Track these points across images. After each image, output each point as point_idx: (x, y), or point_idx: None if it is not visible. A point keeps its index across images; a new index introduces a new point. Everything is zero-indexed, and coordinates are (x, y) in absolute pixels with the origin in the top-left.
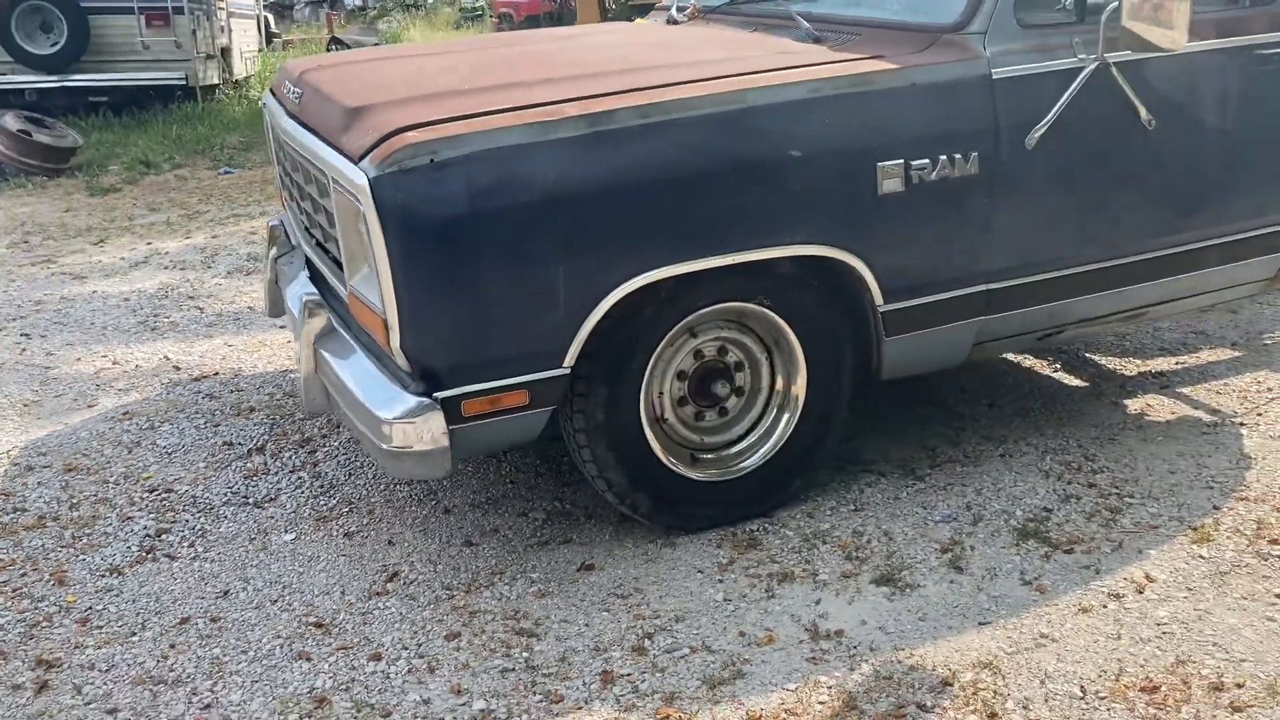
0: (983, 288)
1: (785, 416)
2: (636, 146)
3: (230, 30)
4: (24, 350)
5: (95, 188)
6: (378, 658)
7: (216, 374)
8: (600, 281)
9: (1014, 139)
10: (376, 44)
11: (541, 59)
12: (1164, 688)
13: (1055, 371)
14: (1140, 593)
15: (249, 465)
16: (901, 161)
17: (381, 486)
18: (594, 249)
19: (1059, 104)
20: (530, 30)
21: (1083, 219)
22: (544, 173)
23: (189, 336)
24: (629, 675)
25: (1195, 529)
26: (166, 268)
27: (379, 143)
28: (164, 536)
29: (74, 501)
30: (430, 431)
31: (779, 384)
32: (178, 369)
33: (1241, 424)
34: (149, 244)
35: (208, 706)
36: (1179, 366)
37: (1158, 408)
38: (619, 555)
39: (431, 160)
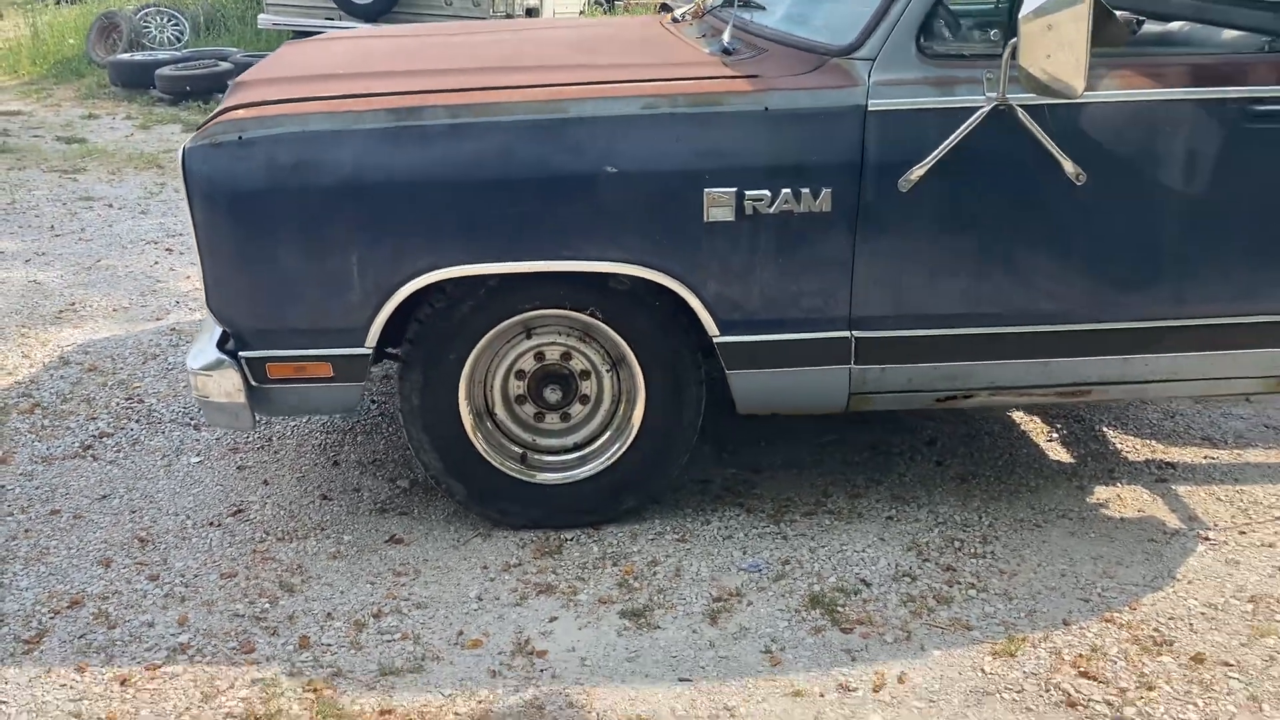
0: (844, 334)
1: (622, 433)
2: (441, 145)
3: None
4: (155, 263)
5: None
6: (155, 579)
7: None
8: (395, 271)
9: (885, 178)
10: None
11: (449, 51)
12: None
13: (1049, 440)
14: (875, 691)
15: None
16: (733, 190)
17: (302, 431)
18: (389, 239)
19: (944, 145)
20: (489, 21)
21: (978, 275)
22: (345, 160)
23: None
24: (327, 645)
25: (1009, 639)
26: None
27: (212, 118)
28: (105, 439)
29: (68, 396)
30: (226, 386)
31: (622, 400)
32: None
33: (1210, 539)
34: None
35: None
36: (1204, 461)
37: (1127, 502)
38: (433, 536)
39: (239, 138)
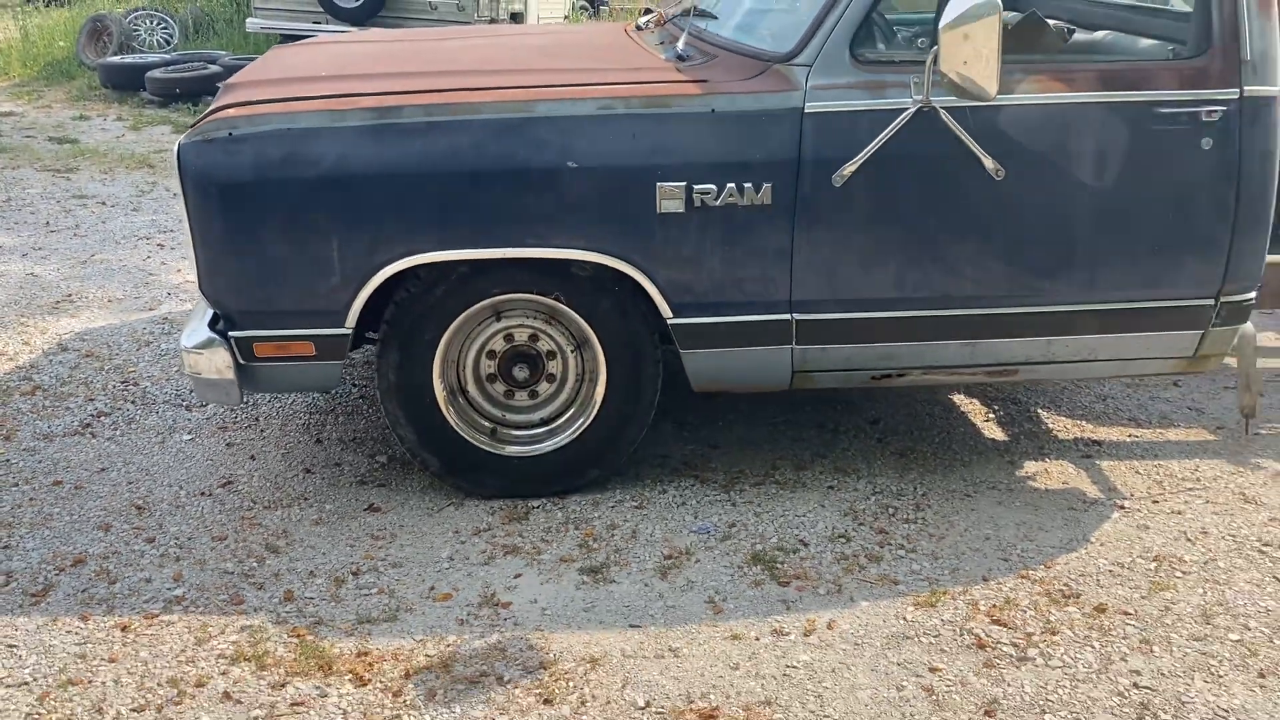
0: (785, 316)
1: (586, 409)
2: (418, 140)
3: None
4: (148, 258)
5: None
6: (151, 541)
7: None
8: (373, 257)
9: (821, 174)
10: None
11: (426, 55)
12: (721, 717)
13: (986, 420)
14: (806, 635)
15: None
16: (683, 184)
17: (286, 412)
18: (368, 227)
19: (874, 143)
20: (467, 27)
21: (907, 263)
22: (329, 154)
23: None
24: (309, 598)
25: (931, 593)
26: None
27: (204, 117)
28: (103, 418)
29: (67, 379)
30: (216, 363)
31: (585, 379)
32: None
33: (1125, 507)
34: None
35: (6, 547)
36: (1128, 439)
37: (1053, 475)
38: (409, 505)
39: (230, 134)
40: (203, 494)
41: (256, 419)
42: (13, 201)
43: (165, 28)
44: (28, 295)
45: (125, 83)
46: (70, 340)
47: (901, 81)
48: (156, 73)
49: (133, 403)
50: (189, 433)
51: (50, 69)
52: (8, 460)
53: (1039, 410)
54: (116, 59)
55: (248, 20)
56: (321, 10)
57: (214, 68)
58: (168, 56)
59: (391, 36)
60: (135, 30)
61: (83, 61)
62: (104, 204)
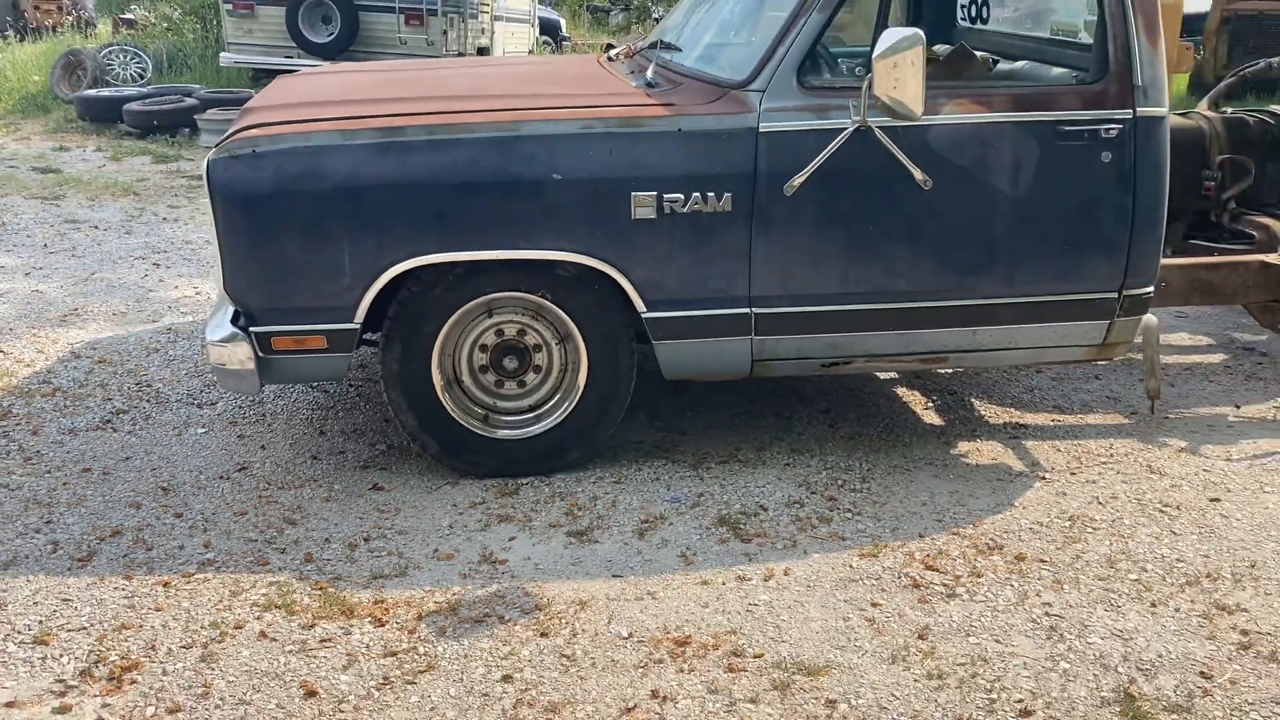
0: (745, 310)
1: (569, 396)
2: (420, 156)
3: (494, 32)
4: (146, 275)
5: None
6: (179, 515)
7: None
8: (380, 259)
9: (773, 184)
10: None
11: (422, 83)
12: (693, 644)
13: (926, 409)
14: (766, 580)
15: (212, 377)
16: (654, 193)
17: (290, 408)
18: (375, 233)
19: (819, 158)
20: (457, 59)
21: (850, 262)
22: (341, 169)
23: None
24: (328, 559)
25: (874, 546)
26: None
27: (228, 137)
28: (121, 415)
29: (84, 382)
30: (238, 355)
31: (568, 369)
32: None
33: (1046, 478)
34: None
35: (49, 522)
36: (1052, 423)
37: (984, 453)
38: (410, 485)
39: (253, 151)
40: (221, 478)
41: (264, 415)
42: (8, 226)
43: (139, 62)
44: (35, 310)
45: (102, 115)
46: (82, 349)
47: (842, 104)
48: (134, 105)
49: (148, 401)
50: (203, 427)
51: (25, 103)
52: (38, 451)
53: (973, 400)
54: (93, 92)
55: (221, 55)
56: (294, 45)
57: (190, 100)
58: (144, 90)
59: (388, 67)
60: (109, 65)
61: (57, 95)
62: (96, 228)
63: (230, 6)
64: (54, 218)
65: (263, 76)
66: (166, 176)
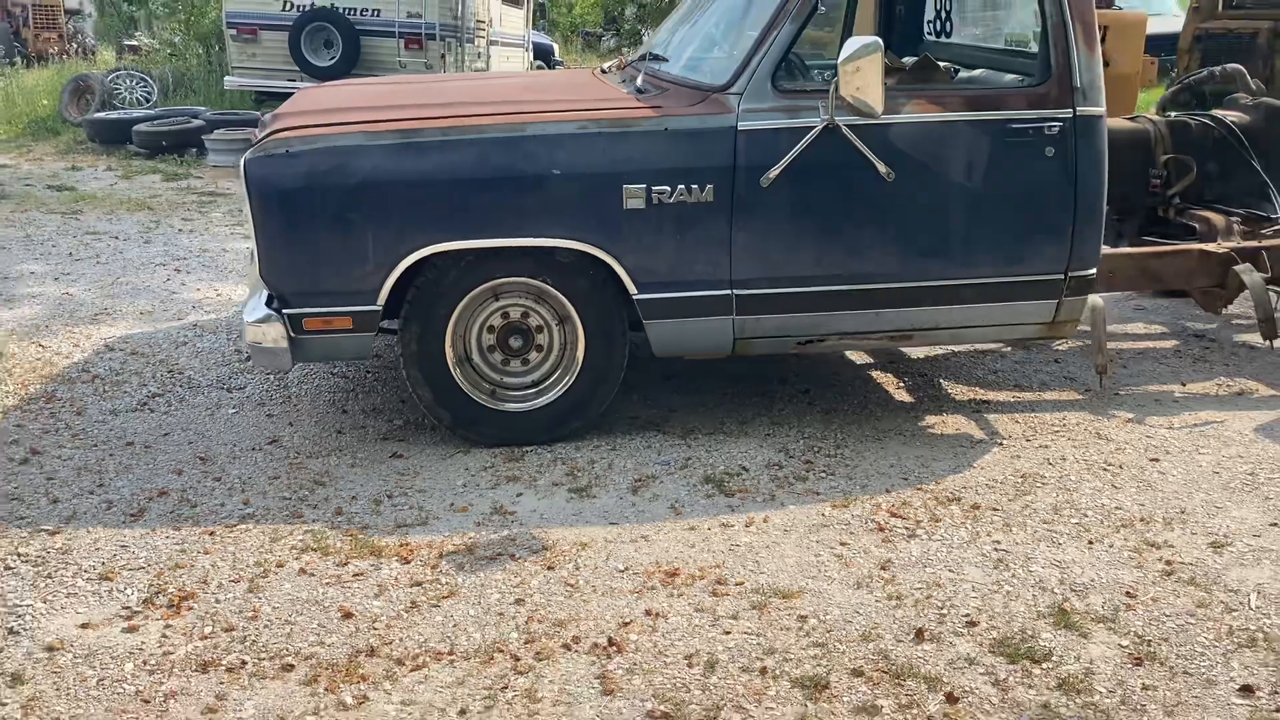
0: (728, 292)
1: (569, 372)
2: (436, 155)
3: (489, 57)
4: (168, 280)
5: None
6: (219, 479)
7: None
8: (400, 246)
9: (751, 177)
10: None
11: (433, 93)
12: (681, 575)
13: (897, 388)
14: (747, 526)
15: (239, 365)
16: (644, 186)
17: (313, 391)
18: (396, 223)
19: (792, 153)
20: (464, 73)
21: (821, 247)
22: (365, 166)
23: None
24: (355, 513)
25: (845, 499)
26: None
27: (263, 139)
28: (157, 398)
29: (120, 371)
30: (273, 334)
31: (568, 347)
32: None
33: (1003, 445)
34: None
35: (101, 485)
36: (1012, 399)
37: (948, 425)
38: (426, 453)
39: (287, 151)
40: (253, 449)
41: (289, 397)
42: (33, 237)
43: (145, 86)
44: (67, 310)
45: (112, 137)
46: (115, 342)
47: (812, 105)
48: (143, 127)
49: (181, 386)
50: (233, 407)
51: (35, 126)
52: (84, 429)
53: (941, 380)
54: (103, 114)
55: (225, 78)
56: (297, 68)
57: (197, 121)
58: (152, 112)
59: (401, 80)
60: (116, 89)
61: (66, 118)
62: (116, 239)
63: (235, 31)
64: (75, 229)
65: (266, 99)
66: (178, 193)
